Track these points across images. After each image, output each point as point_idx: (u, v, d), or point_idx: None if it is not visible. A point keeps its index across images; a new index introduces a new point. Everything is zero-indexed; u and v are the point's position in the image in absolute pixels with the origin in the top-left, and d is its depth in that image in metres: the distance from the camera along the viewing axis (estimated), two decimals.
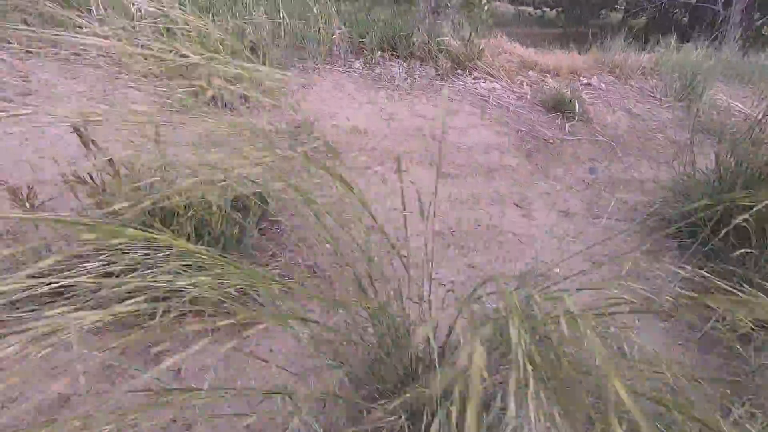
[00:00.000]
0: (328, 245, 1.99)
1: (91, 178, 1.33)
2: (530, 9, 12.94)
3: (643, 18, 11.23)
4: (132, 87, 2.45)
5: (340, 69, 3.21)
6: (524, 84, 3.64)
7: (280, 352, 1.39)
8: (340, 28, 3.36)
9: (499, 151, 2.75)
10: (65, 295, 1.04)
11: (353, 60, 3.36)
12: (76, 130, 1.24)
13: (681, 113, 3.73)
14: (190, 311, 1.41)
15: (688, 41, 5.38)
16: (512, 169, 2.63)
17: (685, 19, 10.27)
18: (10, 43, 2.45)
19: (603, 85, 3.93)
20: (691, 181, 2.29)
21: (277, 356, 1.38)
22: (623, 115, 3.57)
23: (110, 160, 1.33)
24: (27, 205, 1.24)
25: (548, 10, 12.53)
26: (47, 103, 2.21)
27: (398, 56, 3.49)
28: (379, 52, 3.41)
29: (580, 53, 4.53)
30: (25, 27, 2.46)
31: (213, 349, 1.35)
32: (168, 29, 2.68)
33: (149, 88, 2.53)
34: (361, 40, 3.44)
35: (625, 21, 11.44)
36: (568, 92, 3.36)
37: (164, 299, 1.36)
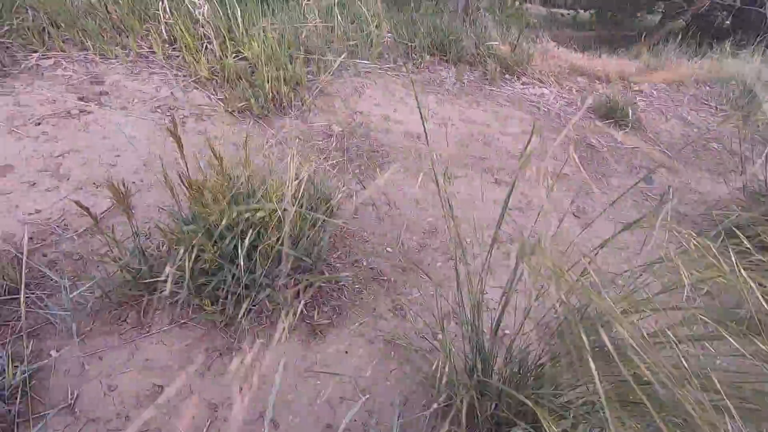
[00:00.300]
0: (389, 249, 2.01)
1: (182, 180, 1.38)
2: (563, 10, 12.64)
3: (681, 21, 10.83)
4: (197, 89, 2.53)
5: (389, 73, 3.23)
6: (573, 90, 3.58)
7: (354, 354, 1.42)
8: (389, 32, 3.38)
9: (552, 159, 2.71)
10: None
11: (402, 64, 3.38)
12: (172, 133, 1.29)
13: (738, 122, 3.60)
14: (270, 310, 1.45)
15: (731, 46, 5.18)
16: (567, 177, 2.59)
17: (728, 23, 9.85)
18: (85, 45, 2.57)
19: (654, 92, 3.83)
20: (755, 195, 2.21)
21: (351, 359, 1.40)
22: (677, 123, 3.47)
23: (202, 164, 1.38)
24: (125, 202, 1.30)
25: (582, 11, 12.21)
26: (119, 102, 2.31)
27: (446, 60, 3.49)
28: (428, 56, 3.42)
29: (619, 57, 4.43)
30: (98, 31, 2.58)
31: (292, 347, 1.38)
32: (229, 31, 2.74)
33: (211, 90, 2.60)
34: (409, 44, 3.46)
35: (663, 24, 11.06)
36: (620, 99, 3.29)
37: (245, 297, 1.41)
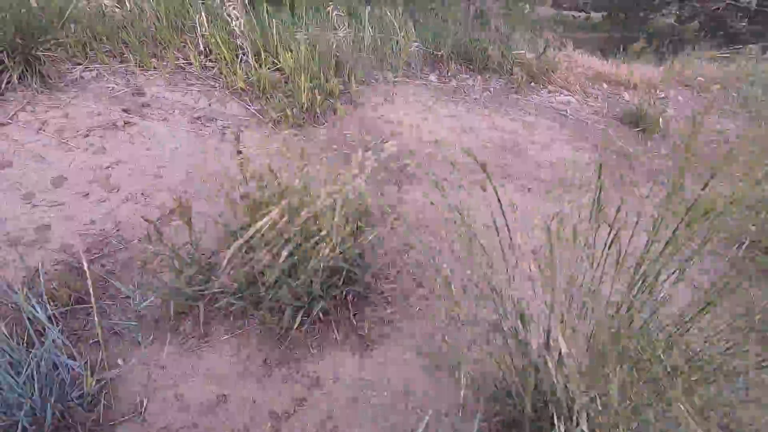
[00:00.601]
0: (430, 259, 2.03)
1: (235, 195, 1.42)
2: (574, 12, 12.54)
3: (696, 22, 10.71)
4: (233, 100, 2.59)
5: (416, 82, 3.27)
6: (599, 97, 3.59)
7: (405, 365, 1.44)
8: (416, 41, 3.42)
9: (582, 168, 2.72)
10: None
11: (428, 73, 3.42)
12: (236, 138, 1.34)
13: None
14: (321, 321, 1.48)
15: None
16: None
17: (742, 24, 9.72)
18: (125, 57, 2.64)
19: (680, 98, 3.82)
20: None
21: (402, 370, 1.43)
22: (704, 130, 3.45)
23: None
24: (188, 217, 1.34)
25: (593, 13, 12.09)
26: (160, 114, 2.37)
27: (472, 69, 3.52)
28: (454, 65, 3.45)
29: (641, 62, 4.41)
30: (136, 43, 2.65)
31: (345, 358, 1.42)
32: (264, 42, 2.79)
33: (247, 101, 2.65)
34: (435, 53, 3.50)
35: (676, 26, 10.94)
36: (647, 106, 3.28)
37: (301, 308, 1.45)
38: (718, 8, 9.42)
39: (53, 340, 1.14)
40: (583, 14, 12.49)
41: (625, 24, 11.20)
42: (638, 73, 4.00)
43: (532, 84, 3.54)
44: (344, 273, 1.47)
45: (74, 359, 1.21)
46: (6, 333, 1.12)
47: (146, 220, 1.31)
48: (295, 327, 1.43)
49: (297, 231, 1.41)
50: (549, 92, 3.51)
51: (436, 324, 1.61)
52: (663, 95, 3.78)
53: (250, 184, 1.48)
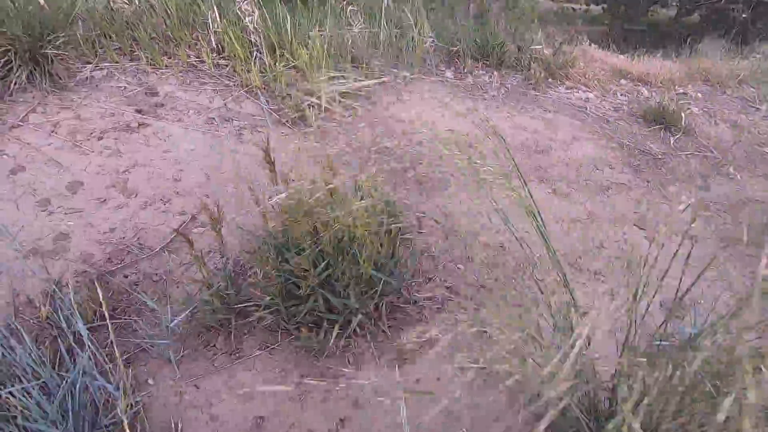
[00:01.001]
0: (460, 266, 1.97)
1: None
2: (574, 5, 12.37)
3: (696, 15, 10.58)
4: (249, 99, 2.51)
5: (432, 78, 3.18)
6: (618, 94, 3.51)
7: (447, 381, 1.38)
8: (431, 37, 3.33)
9: (608, 167, 2.65)
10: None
11: (444, 69, 3.33)
12: (265, 150, 1.27)
13: None
14: (357, 334, 1.42)
15: (746, 42, 5.04)
16: (625, 186, 2.53)
17: (744, 17, 9.59)
18: (135, 55, 2.55)
19: (699, 95, 3.74)
20: None
21: (445, 386, 1.37)
22: (726, 127, 3.38)
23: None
24: (218, 227, 1.27)
25: (593, 6, 11.91)
26: (175, 114, 2.29)
27: (488, 65, 3.43)
28: (470, 61, 3.36)
29: (655, 57, 4.33)
30: (147, 40, 2.56)
31: (382, 373, 1.35)
32: (279, 39, 2.70)
33: (263, 100, 2.57)
34: (451, 48, 3.41)
35: (677, 19, 10.81)
36: (669, 103, 3.21)
37: (335, 321, 1.38)
38: (720, 0, 9.31)
39: (86, 360, 1.08)
40: (583, 6, 12.33)
41: (625, 16, 11.07)
42: (655, 68, 3.92)
43: (549, 80, 3.46)
44: (381, 283, 1.40)
45: (107, 380, 1.14)
46: (36, 352, 1.05)
47: (176, 232, 1.24)
48: (332, 341, 1.36)
49: (332, 240, 1.34)
50: (567, 88, 3.43)
51: (473, 333, 1.54)
52: (681, 91, 3.71)
53: (278, 189, 1.41)
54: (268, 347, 1.37)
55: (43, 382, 1.05)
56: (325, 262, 1.30)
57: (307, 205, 1.36)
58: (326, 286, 1.33)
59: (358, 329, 1.40)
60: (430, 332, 1.54)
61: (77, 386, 1.03)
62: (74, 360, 1.10)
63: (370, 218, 1.36)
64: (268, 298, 1.35)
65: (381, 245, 1.51)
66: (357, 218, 1.37)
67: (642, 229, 2.27)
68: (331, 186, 1.43)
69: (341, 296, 1.35)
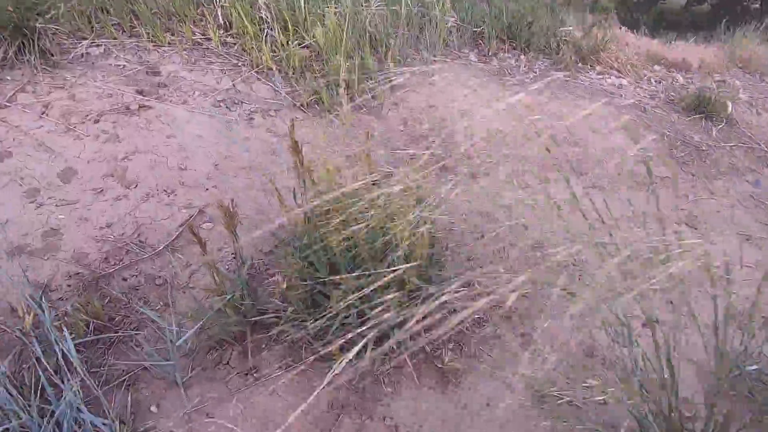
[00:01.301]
0: (500, 269, 1.76)
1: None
2: None
3: (707, 4, 10.25)
4: (260, 80, 2.29)
5: (457, 61, 2.95)
6: (652, 80, 3.27)
7: (497, 406, 1.19)
8: (453, 16, 3.09)
9: (648, 159, 2.43)
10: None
11: (467, 51, 3.09)
12: (295, 145, 1.06)
13: None
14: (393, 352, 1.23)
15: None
16: (669, 180, 2.32)
17: (756, 6, 9.26)
18: (135, 31, 2.33)
19: (737, 82, 3.49)
20: None
21: (495, 411, 1.18)
22: None
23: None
24: (232, 226, 1.07)
25: None
26: (179, 96, 2.08)
27: (514, 47, 3.19)
28: (496, 43, 3.12)
29: (689, 42, 4.07)
30: (148, 15, 2.34)
31: (424, 396, 1.16)
32: (291, 15, 2.46)
33: (276, 82, 2.34)
34: (474, 29, 3.17)
35: (687, 7, 10.48)
36: (709, 91, 2.97)
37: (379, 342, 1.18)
38: None
39: (75, 388, 0.89)
40: None
41: (635, 4, 10.74)
42: (690, 54, 3.67)
43: (579, 65, 3.22)
44: (422, 292, 1.21)
45: (100, 410, 0.95)
46: (13, 382, 0.86)
47: (189, 228, 1.04)
48: (369, 362, 1.17)
49: (365, 243, 1.15)
50: (598, 74, 3.19)
51: (521, 348, 1.35)
52: (720, 78, 3.46)
53: (304, 185, 1.20)
54: (289, 366, 1.18)
55: (27, 421, 0.86)
56: (360, 268, 1.10)
57: (342, 205, 1.16)
58: (363, 296, 1.13)
59: (394, 346, 1.21)
60: (470, 347, 1.35)
61: (65, 421, 0.84)
62: (63, 384, 0.91)
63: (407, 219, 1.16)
64: (291, 308, 1.15)
65: (423, 249, 1.32)
66: (399, 221, 1.17)
67: (693, 228, 2.06)
68: (365, 181, 1.22)
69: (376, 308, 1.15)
